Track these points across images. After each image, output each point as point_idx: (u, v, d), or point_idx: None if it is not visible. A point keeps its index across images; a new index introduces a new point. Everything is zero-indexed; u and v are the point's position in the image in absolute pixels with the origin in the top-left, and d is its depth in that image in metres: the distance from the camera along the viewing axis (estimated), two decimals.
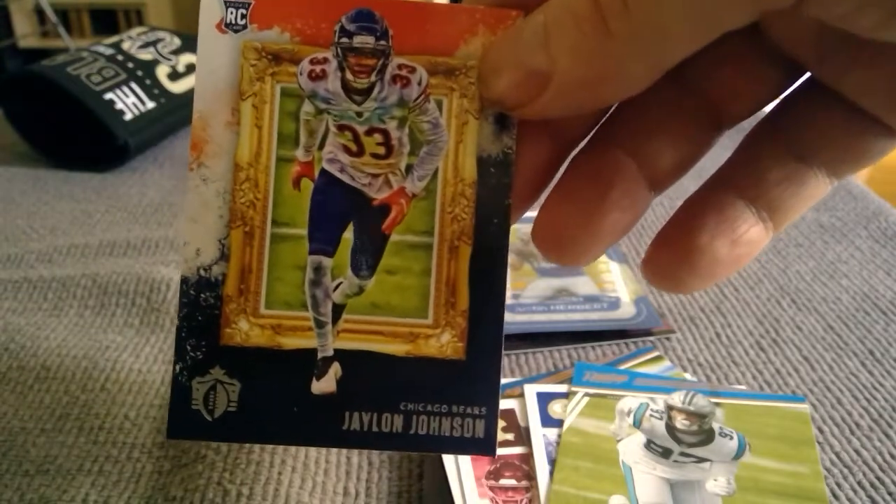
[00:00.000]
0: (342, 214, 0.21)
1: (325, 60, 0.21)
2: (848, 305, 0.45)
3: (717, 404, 0.34)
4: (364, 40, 0.21)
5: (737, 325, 0.43)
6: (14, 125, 0.67)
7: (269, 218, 0.21)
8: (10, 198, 0.59)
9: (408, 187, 0.21)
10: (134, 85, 0.67)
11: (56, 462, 0.33)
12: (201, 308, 0.21)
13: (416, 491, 0.31)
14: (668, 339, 0.41)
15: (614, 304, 0.43)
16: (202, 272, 0.21)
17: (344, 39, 0.21)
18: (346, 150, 0.21)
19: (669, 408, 0.34)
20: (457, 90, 0.21)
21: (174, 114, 0.69)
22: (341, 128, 0.21)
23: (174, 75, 0.70)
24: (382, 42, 0.21)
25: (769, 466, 0.31)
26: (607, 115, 0.21)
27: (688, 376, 0.38)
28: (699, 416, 0.33)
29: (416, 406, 0.21)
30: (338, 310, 0.21)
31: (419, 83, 0.21)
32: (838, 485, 0.32)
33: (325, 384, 0.21)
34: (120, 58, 0.68)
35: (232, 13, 0.21)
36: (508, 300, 0.43)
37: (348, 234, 0.21)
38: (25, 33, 2.81)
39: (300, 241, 0.21)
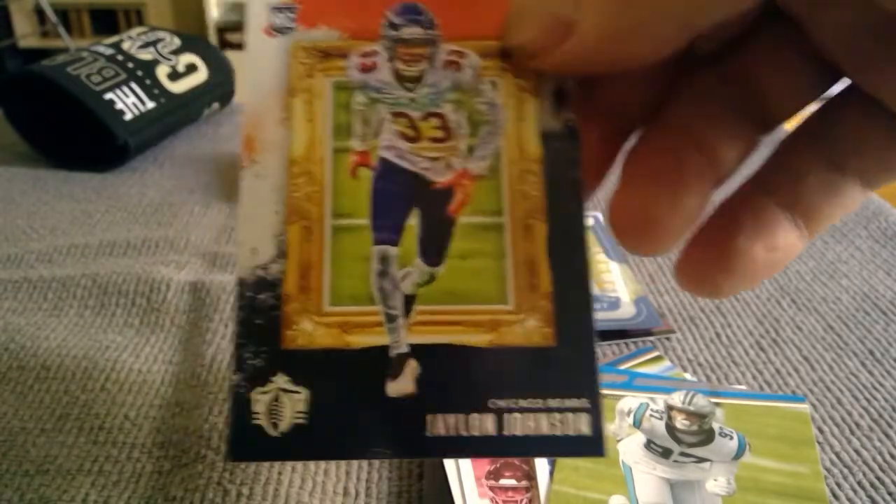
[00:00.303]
0: (405, 201, 0.20)
1: (375, 53, 0.21)
2: (848, 305, 0.45)
3: (717, 404, 0.34)
4: (412, 31, 0.21)
5: (737, 325, 0.43)
6: (14, 125, 0.67)
7: (328, 210, 0.20)
8: (10, 198, 0.59)
9: (470, 168, 0.20)
10: (134, 85, 0.66)
11: (56, 462, 0.33)
12: (260, 310, 0.20)
13: (416, 491, 0.31)
14: (668, 339, 0.41)
15: (614, 304, 0.43)
16: (259, 272, 0.20)
17: (392, 32, 0.21)
18: (403, 136, 0.21)
19: (669, 408, 0.34)
20: (510, 70, 0.21)
21: (174, 114, 0.69)
22: (396, 115, 0.21)
23: (174, 75, 0.70)
24: (430, 31, 0.21)
25: (769, 466, 0.31)
26: (662, 101, 0.20)
27: (688, 376, 0.38)
28: (699, 417, 0.33)
29: (508, 403, 0.19)
30: (409, 301, 0.20)
31: (471, 66, 0.21)
32: (838, 485, 0.32)
33: (402, 384, 0.19)
34: (120, 58, 0.68)
35: (279, 17, 0.21)
36: None
37: (413, 221, 0.20)
38: (25, 33, 2.81)
39: (363, 231, 0.20)
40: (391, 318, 0.20)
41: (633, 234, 0.19)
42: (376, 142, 0.21)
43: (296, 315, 0.20)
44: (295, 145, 0.21)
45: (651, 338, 0.41)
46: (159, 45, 0.72)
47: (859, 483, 0.32)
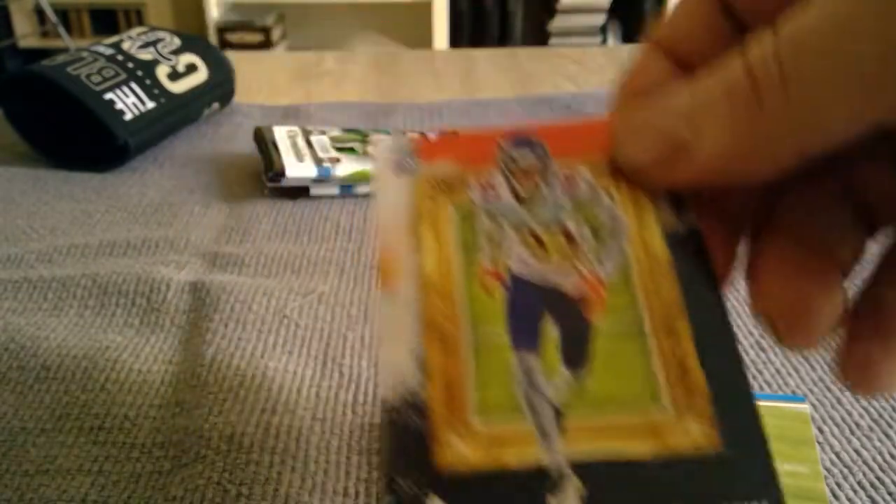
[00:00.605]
0: (540, 311, 0.21)
1: (493, 178, 0.23)
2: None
3: None
4: (525, 157, 0.23)
5: (737, 326, 0.43)
6: (14, 125, 0.67)
7: (465, 326, 0.21)
8: (10, 198, 0.59)
9: (601, 274, 0.21)
10: (134, 85, 0.67)
11: (56, 462, 0.33)
12: (407, 432, 0.19)
13: None
14: None
15: None
16: (403, 392, 0.20)
17: (507, 159, 0.23)
18: (530, 250, 0.22)
19: None
20: (624, 181, 0.22)
21: (174, 114, 0.69)
22: (520, 231, 0.22)
23: (174, 75, 0.70)
24: (543, 155, 0.23)
25: None
26: (775, 204, 0.21)
27: None
28: None
29: None
30: (559, 413, 0.19)
31: (585, 181, 0.22)
32: (838, 485, 0.32)
33: None
34: (120, 58, 0.68)
35: (403, 157, 0.23)
36: None
37: (551, 331, 0.20)
38: (25, 33, 2.81)
39: (502, 344, 0.20)
40: (544, 433, 0.19)
41: (790, 328, 0.20)
42: (504, 258, 0.22)
43: (444, 433, 0.19)
44: (427, 268, 0.22)
45: None
46: (159, 45, 0.72)
47: (859, 483, 0.32)
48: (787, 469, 0.31)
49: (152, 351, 0.40)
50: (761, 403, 0.35)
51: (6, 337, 0.41)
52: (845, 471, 0.32)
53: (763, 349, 0.41)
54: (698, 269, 0.21)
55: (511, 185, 0.23)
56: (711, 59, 0.17)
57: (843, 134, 0.15)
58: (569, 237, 0.22)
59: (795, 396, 0.37)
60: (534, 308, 0.21)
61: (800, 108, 0.15)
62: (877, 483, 0.32)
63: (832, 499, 0.31)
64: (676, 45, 0.21)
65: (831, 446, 0.34)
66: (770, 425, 0.34)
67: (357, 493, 0.31)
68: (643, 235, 0.21)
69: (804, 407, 0.34)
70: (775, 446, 0.33)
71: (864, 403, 0.37)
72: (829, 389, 0.38)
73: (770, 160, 0.17)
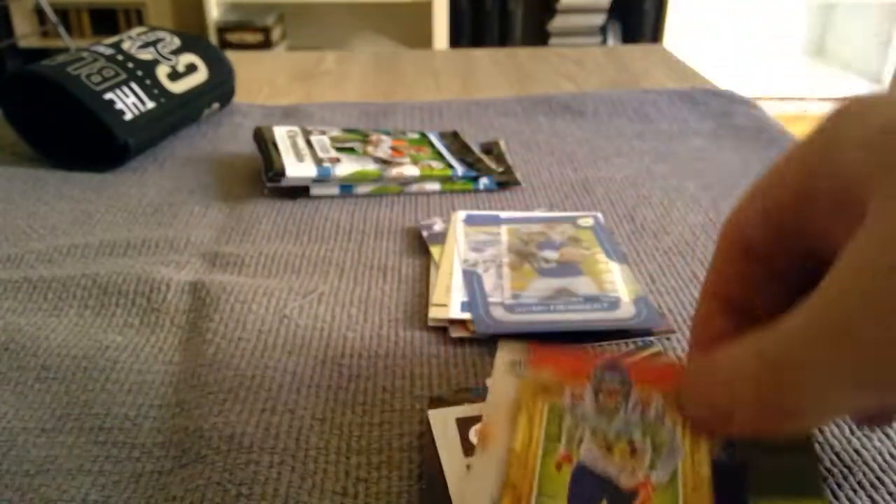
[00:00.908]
0: (597, 494, 0.26)
1: (583, 390, 0.29)
2: None
3: None
4: (613, 380, 0.30)
5: None
6: (14, 125, 0.67)
7: (534, 489, 0.26)
8: (10, 198, 0.59)
9: (653, 478, 0.26)
10: (134, 85, 0.67)
11: (56, 462, 0.33)
12: None
13: (417, 491, 0.31)
14: (668, 339, 0.41)
15: (614, 304, 0.43)
16: None
17: (597, 378, 0.30)
18: (600, 448, 0.28)
19: None
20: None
21: (174, 114, 0.69)
22: (595, 434, 0.28)
23: (174, 75, 0.70)
24: (626, 381, 0.30)
25: None
26: None
27: None
28: None
29: None
30: None
31: (656, 409, 0.28)
32: (838, 485, 0.32)
33: None
34: (120, 58, 0.68)
35: (516, 364, 0.31)
36: (508, 300, 0.43)
37: None
38: (25, 33, 2.81)
39: None
40: None
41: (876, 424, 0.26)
42: (577, 449, 0.28)
43: None
44: (516, 445, 0.28)
45: (651, 338, 0.41)
46: (159, 45, 0.72)
47: (859, 483, 0.32)
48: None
49: (152, 351, 0.40)
50: None
51: (6, 337, 0.41)
52: (845, 471, 0.32)
53: None
54: (732, 488, 0.26)
55: (597, 399, 0.29)
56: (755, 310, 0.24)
57: (870, 403, 0.20)
58: (633, 446, 0.27)
59: None
60: (592, 490, 0.26)
61: (808, 400, 0.20)
62: (877, 483, 0.32)
63: (832, 499, 0.31)
64: (727, 292, 0.27)
65: (831, 446, 0.34)
66: None
67: (357, 494, 0.31)
68: (694, 458, 0.27)
69: None
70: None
71: None
72: None
73: (794, 424, 0.21)
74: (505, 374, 0.30)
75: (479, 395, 0.34)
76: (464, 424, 0.32)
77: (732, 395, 0.22)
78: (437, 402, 0.34)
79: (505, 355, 0.31)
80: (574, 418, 0.28)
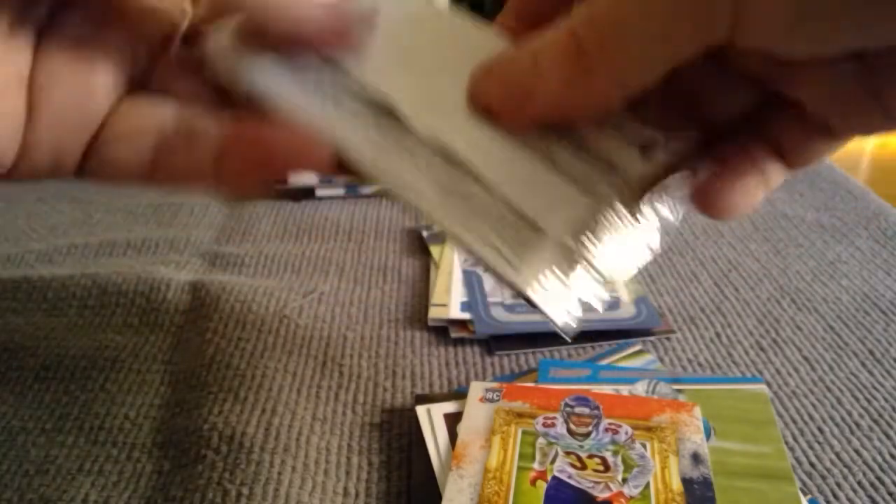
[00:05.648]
0: None
1: (554, 417, 0.32)
2: (848, 305, 0.45)
3: (679, 391, 0.34)
4: (582, 410, 0.32)
5: (737, 325, 0.43)
6: None
7: None
8: (10, 198, 0.59)
9: (625, 491, 0.28)
10: None
11: (56, 462, 0.33)
12: None
13: (405, 486, 0.31)
14: (668, 339, 0.41)
15: (614, 304, 0.43)
16: None
17: (567, 409, 0.32)
18: (573, 465, 0.30)
19: None
20: (656, 438, 0.31)
21: None
22: (568, 453, 0.30)
23: None
24: (595, 411, 0.32)
25: (734, 449, 0.31)
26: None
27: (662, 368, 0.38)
28: None
29: None
30: None
31: (626, 433, 0.31)
32: (838, 485, 0.32)
33: None
34: None
35: (489, 393, 0.33)
36: (508, 300, 0.43)
37: None
38: None
39: None
40: None
41: (714, 214, 0.23)
42: (551, 467, 0.29)
43: None
44: (491, 462, 0.30)
45: (651, 338, 0.41)
46: None
47: (859, 483, 0.32)
48: (752, 450, 0.31)
49: (152, 350, 0.40)
50: (721, 387, 0.36)
51: (6, 337, 0.41)
52: (845, 471, 0.32)
53: (763, 349, 0.41)
54: (702, 501, 0.28)
55: (567, 425, 0.31)
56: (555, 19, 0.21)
57: (652, 75, 0.19)
58: (605, 463, 0.29)
59: (753, 378, 0.38)
60: (568, 503, 0.28)
61: (614, 60, 0.19)
62: (877, 483, 0.32)
63: (832, 499, 0.31)
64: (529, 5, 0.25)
65: (831, 446, 0.34)
66: (731, 408, 0.34)
67: (357, 493, 0.31)
68: (664, 474, 0.29)
69: (761, 387, 0.35)
70: (739, 428, 0.35)
71: (864, 403, 0.37)
72: (829, 390, 0.38)
73: (599, 99, 0.20)
74: (478, 402, 0.33)
75: (466, 391, 0.34)
76: (451, 420, 0.33)
77: (537, 67, 0.20)
78: (423, 399, 0.35)
79: (478, 390, 0.33)
80: (546, 439, 0.31)
